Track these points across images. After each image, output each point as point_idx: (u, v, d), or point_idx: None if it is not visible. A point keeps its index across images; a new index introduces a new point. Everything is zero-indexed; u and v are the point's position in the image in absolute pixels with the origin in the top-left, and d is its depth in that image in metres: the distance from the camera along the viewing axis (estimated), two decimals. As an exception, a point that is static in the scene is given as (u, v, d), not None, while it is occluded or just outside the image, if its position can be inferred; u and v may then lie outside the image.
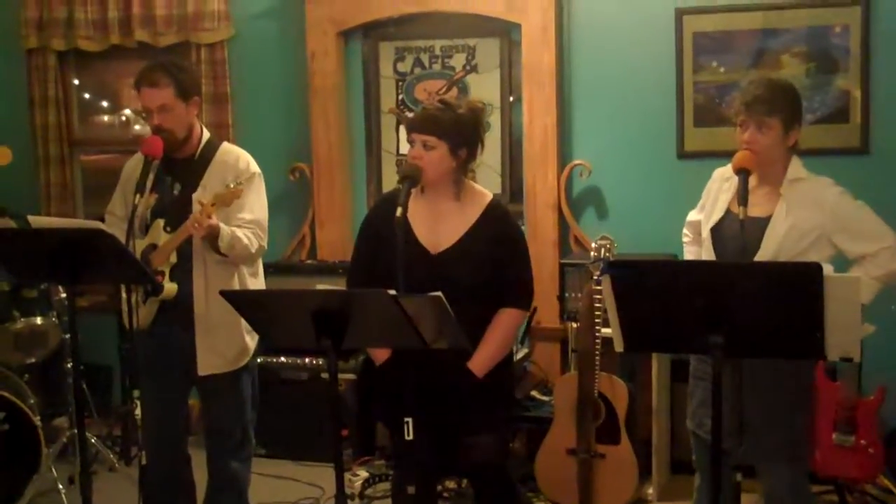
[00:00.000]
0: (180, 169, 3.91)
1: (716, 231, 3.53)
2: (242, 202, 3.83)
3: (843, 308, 2.60)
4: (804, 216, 3.38)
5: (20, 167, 6.32)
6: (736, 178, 3.43)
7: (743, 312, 2.68)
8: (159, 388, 3.88)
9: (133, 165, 3.98)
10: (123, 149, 6.49)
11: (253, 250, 3.83)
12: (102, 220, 3.97)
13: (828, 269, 2.66)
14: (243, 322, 3.81)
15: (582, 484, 4.57)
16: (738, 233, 3.31)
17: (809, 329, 2.64)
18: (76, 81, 6.61)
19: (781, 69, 5.11)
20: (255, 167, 3.96)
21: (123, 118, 6.68)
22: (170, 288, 3.80)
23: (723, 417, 2.83)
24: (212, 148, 3.96)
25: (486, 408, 3.60)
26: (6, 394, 4.70)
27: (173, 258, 3.81)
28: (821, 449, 4.49)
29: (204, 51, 5.99)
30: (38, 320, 5.31)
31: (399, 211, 3.28)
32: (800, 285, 2.62)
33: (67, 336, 5.01)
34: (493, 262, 3.55)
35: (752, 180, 3.51)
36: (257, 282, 4.03)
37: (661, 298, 2.79)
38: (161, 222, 3.84)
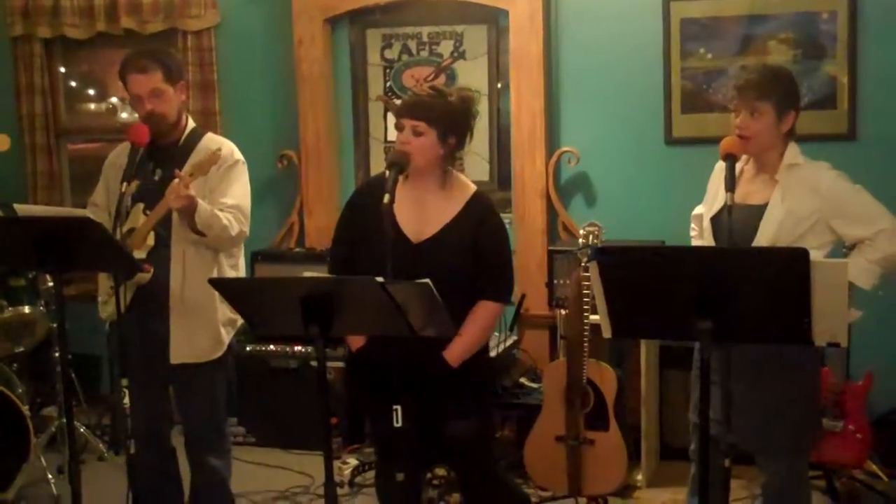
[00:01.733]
0: (163, 155, 3.90)
1: (716, 221, 3.52)
2: (225, 188, 3.83)
3: (831, 293, 2.60)
4: (800, 201, 3.36)
5: (6, 156, 6.29)
6: (738, 168, 3.44)
7: (731, 298, 2.68)
8: (139, 378, 3.86)
9: (116, 156, 3.98)
10: (110, 137, 6.47)
11: (233, 233, 3.80)
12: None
13: (815, 255, 2.66)
14: (220, 313, 3.82)
15: (571, 470, 4.58)
16: (740, 220, 3.31)
17: (797, 314, 2.64)
18: (62, 69, 6.58)
19: (768, 55, 5.11)
20: (238, 155, 3.95)
21: (110, 106, 6.65)
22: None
23: (712, 404, 2.84)
24: (196, 136, 3.96)
25: (461, 395, 3.61)
26: (-6, 383, 4.70)
27: (150, 241, 3.79)
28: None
29: (191, 38, 5.97)
30: (26, 309, 5.29)
31: (386, 198, 3.27)
32: (787, 271, 2.62)
33: (55, 325, 5.00)
34: (474, 253, 3.55)
35: (751, 168, 3.51)
36: (237, 273, 4.00)
37: (649, 284, 2.79)
38: (141, 206, 3.82)
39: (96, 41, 6.29)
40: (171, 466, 4.13)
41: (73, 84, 6.69)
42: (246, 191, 3.94)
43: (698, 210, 3.84)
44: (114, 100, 6.54)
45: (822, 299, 2.60)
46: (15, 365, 5.29)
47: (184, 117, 3.96)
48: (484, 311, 3.59)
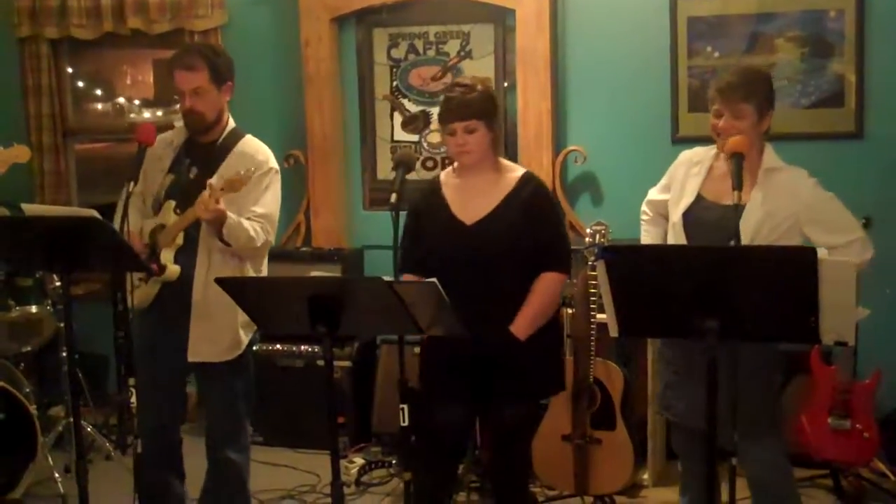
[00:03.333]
0: (200, 153, 3.92)
1: (688, 217, 3.55)
2: (257, 196, 3.85)
3: (838, 292, 2.61)
4: (779, 205, 3.42)
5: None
6: (706, 164, 3.57)
7: (737, 297, 2.69)
8: (154, 372, 3.87)
9: (157, 143, 3.90)
10: (117, 137, 6.50)
11: (258, 243, 3.83)
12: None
13: (822, 253, 2.66)
14: (240, 315, 3.81)
15: (577, 469, 4.58)
16: (713, 219, 3.40)
17: (804, 313, 2.64)
18: (70, 69, 6.58)
19: (776, 53, 5.11)
20: (273, 163, 3.97)
21: (117, 106, 6.67)
22: (172, 270, 3.80)
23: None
24: (234, 137, 3.98)
25: (525, 376, 3.67)
26: (2, 383, 4.70)
27: (180, 240, 3.82)
28: (816, 433, 4.52)
29: (197, 38, 5.96)
30: (33, 309, 5.31)
31: (393, 197, 3.35)
32: (794, 269, 2.62)
33: (62, 324, 5.01)
34: (528, 230, 3.64)
35: (721, 166, 3.57)
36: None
37: (655, 283, 2.79)
38: (172, 203, 3.84)
39: (103, 41, 6.29)
40: (177, 465, 4.14)
41: (81, 84, 6.71)
42: (276, 199, 3.97)
43: (654, 195, 3.87)
44: (121, 100, 6.57)
45: (830, 297, 2.60)
46: (22, 364, 5.30)
47: (224, 117, 3.99)
48: (546, 281, 3.68)
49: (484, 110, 3.62)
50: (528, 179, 3.75)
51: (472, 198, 3.70)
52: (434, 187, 3.81)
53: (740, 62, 5.10)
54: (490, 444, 4.07)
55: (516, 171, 3.79)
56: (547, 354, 3.78)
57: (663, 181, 3.82)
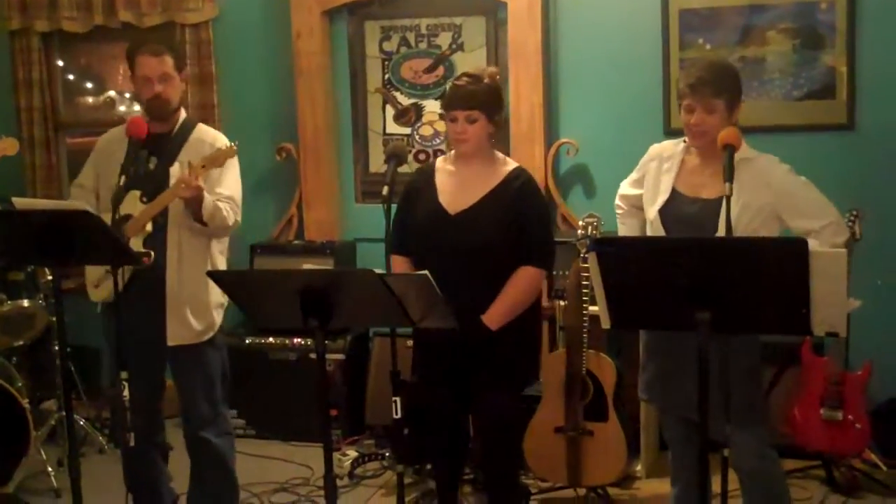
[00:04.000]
0: (156, 143, 3.95)
1: (664, 213, 3.55)
2: (220, 178, 3.90)
3: (829, 283, 2.61)
4: (754, 195, 3.43)
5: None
6: (677, 159, 3.59)
7: (729, 289, 2.69)
8: (135, 360, 3.83)
9: (109, 139, 4.05)
10: (108, 130, 6.47)
11: (230, 223, 3.91)
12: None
13: (813, 245, 2.67)
14: (212, 296, 3.90)
15: (570, 461, 4.58)
16: (692, 213, 3.44)
17: (795, 304, 2.65)
18: (60, 63, 6.57)
19: (768, 45, 5.11)
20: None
21: (108, 99, 6.64)
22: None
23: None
24: (189, 125, 4.04)
25: (505, 366, 3.74)
26: (-6, 377, 4.70)
27: (149, 227, 3.84)
28: (808, 424, 4.53)
29: (189, 31, 5.95)
30: (25, 303, 5.30)
31: (385, 190, 3.38)
32: (786, 261, 2.63)
33: (54, 318, 4.99)
34: (512, 224, 3.71)
35: (694, 159, 3.59)
36: (224, 258, 4.10)
37: (647, 275, 2.80)
38: (137, 193, 3.85)
39: (94, 35, 6.27)
40: (164, 452, 4.19)
41: (71, 77, 6.69)
42: (238, 181, 4.04)
43: (625, 190, 3.88)
44: (112, 93, 6.54)
45: (821, 289, 2.61)
46: (14, 358, 5.29)
47: (181, 105, 4.05)
48: (523, 274, 3.75)
49: (487, 102, 3.71)
50: (517, 174, 3.81)
51: (460, 188, 3.76)
52: (428, 172, 3.89)
53: (733, 54, 5.10)
54: (478, 434, 4.09)
55: (508, 165, 3.84)
56: (523, 344, 3.83)
57: (635, 175, 3.82)
